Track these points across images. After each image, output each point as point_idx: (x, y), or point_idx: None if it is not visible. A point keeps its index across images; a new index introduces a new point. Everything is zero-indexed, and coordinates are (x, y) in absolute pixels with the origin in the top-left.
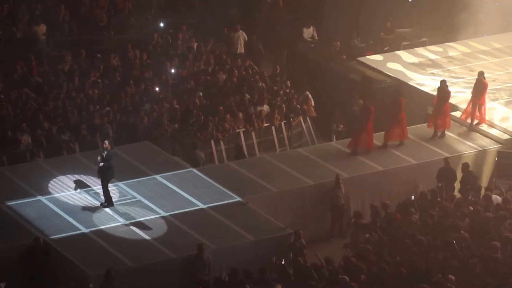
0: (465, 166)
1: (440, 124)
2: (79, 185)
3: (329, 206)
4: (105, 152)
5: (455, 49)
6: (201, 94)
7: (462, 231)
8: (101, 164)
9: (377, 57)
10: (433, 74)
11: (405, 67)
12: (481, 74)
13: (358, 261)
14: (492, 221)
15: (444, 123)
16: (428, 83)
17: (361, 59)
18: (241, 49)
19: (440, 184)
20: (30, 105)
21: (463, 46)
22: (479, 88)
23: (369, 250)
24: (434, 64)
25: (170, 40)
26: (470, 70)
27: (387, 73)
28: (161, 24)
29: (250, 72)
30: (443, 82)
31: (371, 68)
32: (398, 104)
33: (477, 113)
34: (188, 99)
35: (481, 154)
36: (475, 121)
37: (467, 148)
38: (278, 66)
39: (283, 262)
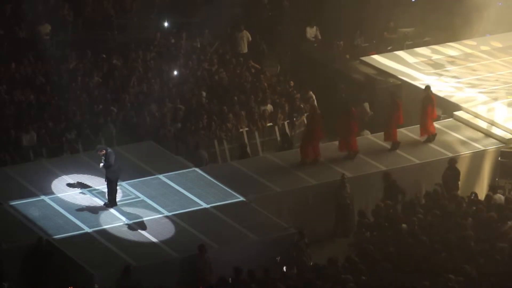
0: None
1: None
2: (83, 184)
3: (333, 206)
4: (103, 158)
5: (457, 49)
6: (204, 93)
7: (466, 230)
8: (101, 164)
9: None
10: (436, 74)
11: (409, 66)
12: (428, 88)
13: (360, 261)
14: (495, 221)
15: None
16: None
17: (364, 58)
18: (244, 49)
19: (437, 183)
20: (33, 105)
21: (465, 45)
22: (427, 102)
23: (372, 250)
24: (436, 64)
25: (173, 39)
26: (473, 70)
27: (392, 72)
28: (165, 24)
29: (253, 72)
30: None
31: (374, 68)
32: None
33: (427, 127)
34: (192, 98)
35: (485, 154)
36: (426, 136)
37: (470, 148)
38: (279, 66)
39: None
